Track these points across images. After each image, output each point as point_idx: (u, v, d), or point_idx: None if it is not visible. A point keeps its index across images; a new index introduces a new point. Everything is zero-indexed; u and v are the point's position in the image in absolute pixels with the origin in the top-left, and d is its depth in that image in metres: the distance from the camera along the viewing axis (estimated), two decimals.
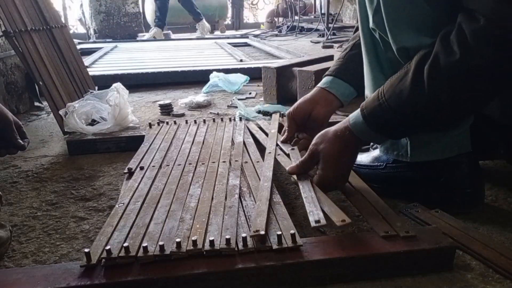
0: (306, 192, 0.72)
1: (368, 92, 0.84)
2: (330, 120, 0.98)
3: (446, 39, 0.64)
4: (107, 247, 0.59)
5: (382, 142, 0.86)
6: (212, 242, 0.60)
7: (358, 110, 0.74)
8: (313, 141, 0.79)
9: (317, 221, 0.62)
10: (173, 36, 5.34)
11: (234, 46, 3.67)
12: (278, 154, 0.93)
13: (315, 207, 0.67)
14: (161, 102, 1.65)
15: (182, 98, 1.80)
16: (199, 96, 1.78)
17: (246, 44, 4.20)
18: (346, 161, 0.78)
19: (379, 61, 0.80)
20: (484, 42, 0.60)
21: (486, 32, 0.60)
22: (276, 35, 5.48)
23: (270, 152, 0.94)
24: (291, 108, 0.99)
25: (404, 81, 0.68)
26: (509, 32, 0.58)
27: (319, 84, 0.99)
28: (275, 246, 0.60)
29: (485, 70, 0.62)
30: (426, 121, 0.71)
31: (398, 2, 0.69)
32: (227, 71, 2.18)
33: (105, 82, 1.88)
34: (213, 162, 0.93)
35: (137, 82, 2.17)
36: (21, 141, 0.93)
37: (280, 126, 1.13)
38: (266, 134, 1.10)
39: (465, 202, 0.79)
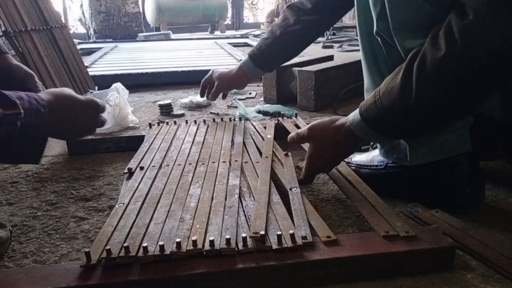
0: (296, 204, 0.73)
1: (368, 95, 0.84)
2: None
3: (435, 34, 0.62)
4: (107, 247, 0.59)
5: (380, 141, 0.86)
6: (212, 242, 0.60)
7: (358, 109, 0.75)
8: (314, 123, 0.83)
9: (304, 237, 0.62)
10: (173, 36, 5.34)
11: (234, 46, 3.67)
12: (273, 161, 0.94)
13: (303, 221, 0.67)
14: (161, 102, 1.65)
15: (182, 98, 1.80)
16: (199, 96, 1.77)
17: (246, 44, 4.20)
18: (337, 155, 0.82)
19: (378, 65, 0.80)
20: (471, 39, 0.58)
21: (474, 28, 0.57)
22: None
23: (267, 157, 0.95)
24: (214, 77, 1.43)
25: (395, 79, 0.68)
26: (498, 29, 0.56)
27: (241, 65, 1.36)
28: (275, 246, 0.60)
29: (471, 68, 0.60)
30: (417, 119, 0.69)
31: (403, 5, 0.68)
32: None
33: (105, 82, 1.89)
34: (213, 162, 0.93)
35: (137, 82, 2.17)
36: None
37: (276, 130, 1.14)
38: (262, 138, 1.10)
39: (465, 202, 0.79)
